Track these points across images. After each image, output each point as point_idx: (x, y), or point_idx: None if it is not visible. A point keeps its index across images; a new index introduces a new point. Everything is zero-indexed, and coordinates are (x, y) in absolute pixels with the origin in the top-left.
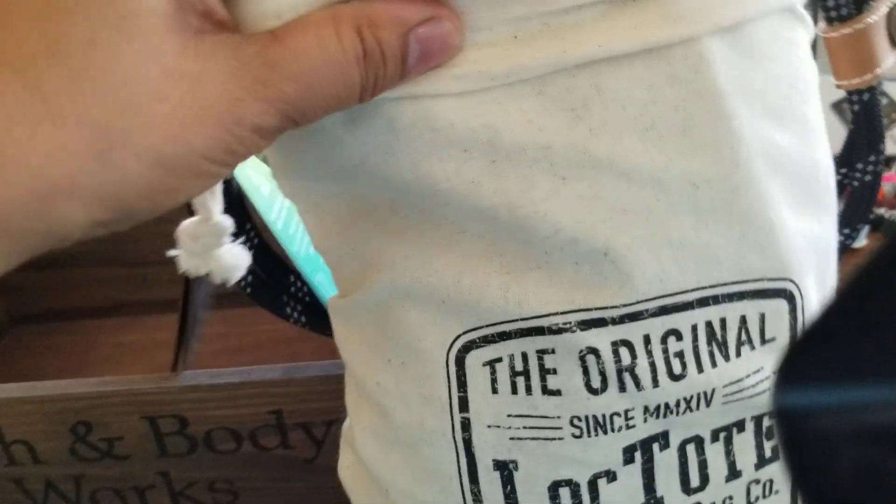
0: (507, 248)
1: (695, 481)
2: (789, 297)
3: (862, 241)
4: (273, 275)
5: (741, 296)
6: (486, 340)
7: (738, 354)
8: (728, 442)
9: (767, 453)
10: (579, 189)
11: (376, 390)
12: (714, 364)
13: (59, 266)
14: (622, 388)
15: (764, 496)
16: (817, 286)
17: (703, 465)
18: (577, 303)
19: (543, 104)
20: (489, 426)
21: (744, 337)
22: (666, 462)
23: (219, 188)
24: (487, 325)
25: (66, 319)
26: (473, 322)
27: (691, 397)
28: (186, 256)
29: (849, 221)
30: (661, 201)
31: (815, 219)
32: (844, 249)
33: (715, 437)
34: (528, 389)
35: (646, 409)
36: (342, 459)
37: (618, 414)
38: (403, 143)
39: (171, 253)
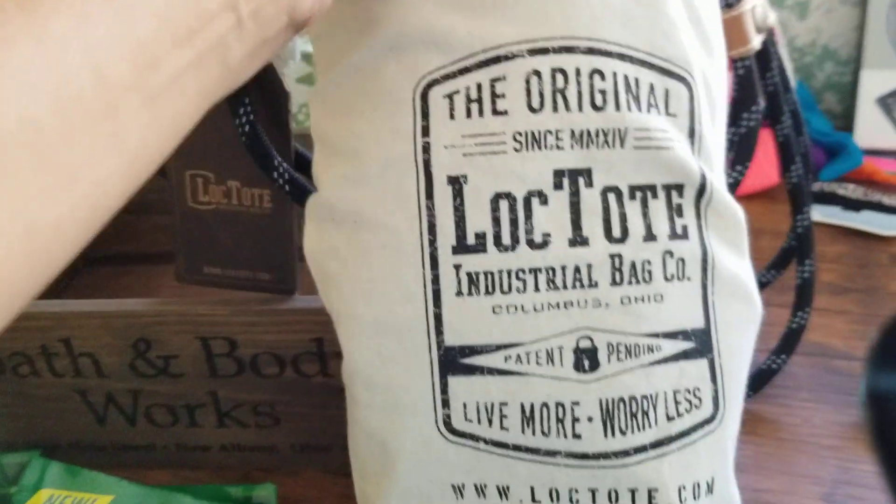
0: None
1: (616, 231)
2: (689, 86)
3: (895, 231)
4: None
5: (651, 66)
6: (447, 77)
7: (649, 111)
8: (644, 204)
9: (679, 229)
10: None
11: (351, 139)
12: (629, 108)
13: (130, 212)
14: (555, 109)
15: (679, 277)
16: (707, 102)
17: (623, 218)
18: (526, 35)
19: None
20: (446, 146)
21: (652, 100)
22: (590, 203)
23: None
24: (452, 63)
25: (136, 263)
26: (441, 61)
27: (608, 131)
28: None
29: (734, 163)
30: None
31: (708, 54)
32: (735, 187)
33: (633, 194)
34: (481, 112)
35: (572, 133)
36: (306, 235)
37: (550, 132)
38: None
39: None
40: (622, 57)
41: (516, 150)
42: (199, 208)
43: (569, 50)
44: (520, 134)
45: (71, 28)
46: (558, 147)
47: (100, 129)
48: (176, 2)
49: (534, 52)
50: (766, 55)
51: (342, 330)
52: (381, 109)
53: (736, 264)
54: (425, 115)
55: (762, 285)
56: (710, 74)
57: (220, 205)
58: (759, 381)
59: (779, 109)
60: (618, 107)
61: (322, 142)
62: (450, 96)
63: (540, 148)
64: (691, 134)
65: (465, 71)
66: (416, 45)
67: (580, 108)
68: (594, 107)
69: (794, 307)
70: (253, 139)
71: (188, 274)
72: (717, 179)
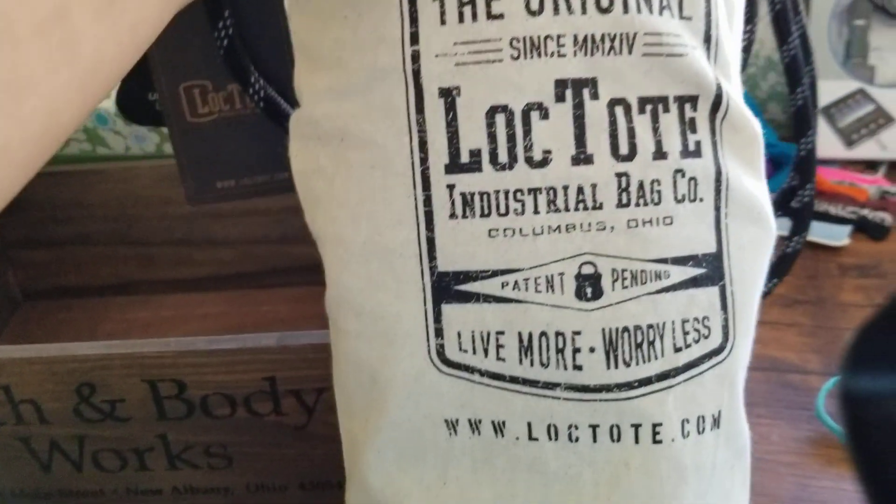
0: None
1: (623, 148)
2: None
3: (844, 241)
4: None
5: None
6: None
7: (661, 13)
8: (654, 118)
9: (691, 146)
10: None
11: (334, 47)
12: (639, 10)
13: (69, 244)
14: (556, 11)
15: (690, 199)
16: (725, 1)
17: (631, 133)
18: None
19: None
20: (437, 55)
21: (664, 1)
22: (596, 117)
23: None
24: None
25: (76, 296)
26: None
27: (615, 35)
28: None
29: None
30: None
31: None
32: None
33: (642, 108)
34: (474, 16)
35: (575, 38)
36: (292, 155)
37: (550, 37)
38: None
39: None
40: None
41: (513, 57)
42: (200, 122)
43: None
44: (517, 40)
45: None
46: (560, 54)
47: (49, 37)
48: None
49: None
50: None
51: (328, 255)
52: (365, 15)
53: (752, 184)
54: (414, 20)
55: None
56: None
57: (223, 112)
58: None
59: (786, 29)
60: (626, 8)
61: (303, 52)
62: None
63: (540, 55)
64: (707, 39)
65: None
66: None
67: (584, 9)
68: (600, 8)
69: (792, 230)
70: (230, 53)
71: (200, 194)
72: (734, 90)
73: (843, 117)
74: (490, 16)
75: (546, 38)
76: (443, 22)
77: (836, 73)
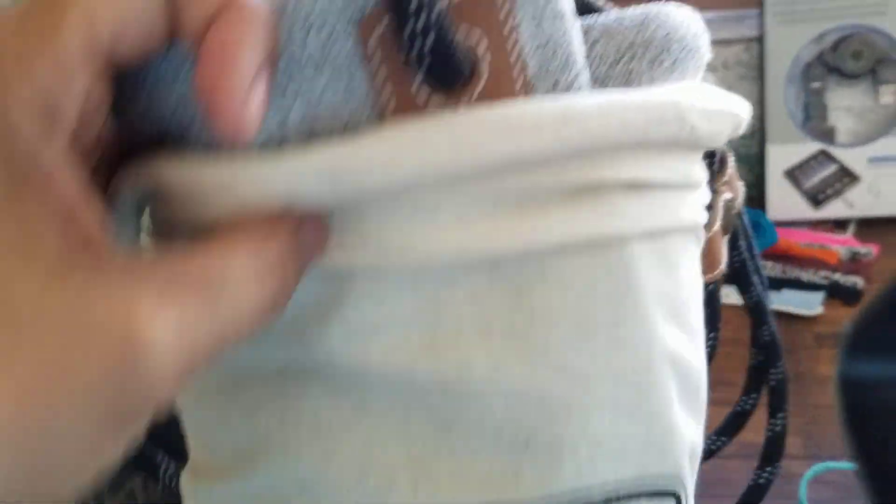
0: (420, 434)
1: None
2: (678, 500)
3: (818, 309)
4: None
5: (639, 496)
6: None
7: None
8: None
9: None
10: (513, 379)
11: None
12: None
13: None
14: None
15: None
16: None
17: None
18: (489, 494)
19: (490, 281)
20: None
21: None
22: None
23: None
24: None
25: None
26: None
27: None
28: None
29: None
30: (588, 396)
31: (697, 423)
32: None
33: None
34: None
35: None
36: None
37: None
38: (341, 311)
39: None
40: (607, 501)
41: None
42: None
43: None
44: None
45: None
46: None
47: None
48: None
49: None
50: (734, 237)
51: None
52: None
53: None
54: None
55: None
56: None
57: None
58: None
59: (746, 280)
60: None
61: None
62: None
63: None
64: None
65: None
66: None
67: None
68: None
69: (761, 462)
70: None
71: None
72: None
73: (808, 179)
74: None
75: None
76: None
77: (795, 136)
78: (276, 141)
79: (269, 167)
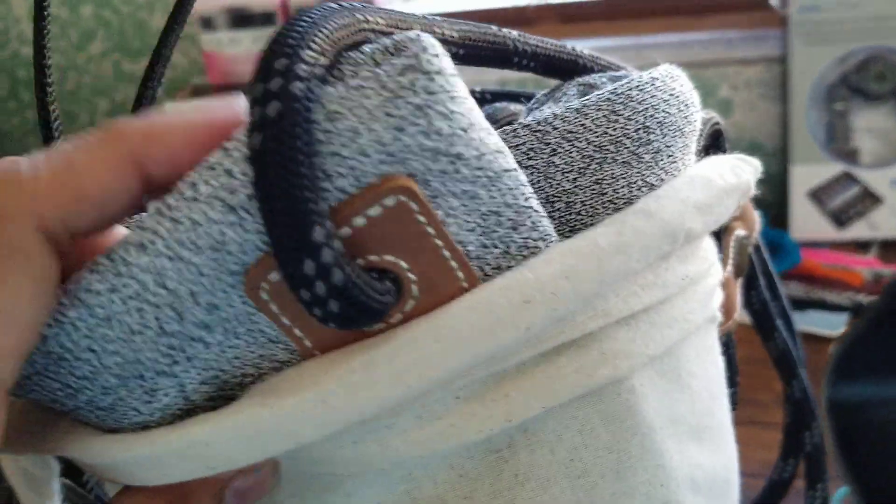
0: None
1: None
2: None
3: (841, 329)
4: None
5: None
6: None
7: None
8: None
9: None
10: None
11: None
12: None
13: None
14: None
15: None
16: None
17: None
18: None
19: (466, 445)
20: None
21: None
22: None
23: None
24: None
25: None
26: None
27: None
28: None
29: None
30: None
31: None
32: None
33: None
34: None
35: None
36: None
37: None
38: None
39: None
40: None
41: None
42: None
43: None
44: None
45: None
46: None
47: None
48: None
49: None
50: (751, 275)
51: None
52: None
53: None
54: None
55: None
56: None
57: None
58: None
59: (769, 324)
60: None
61: None
62: None
63: None
64: None
65: None
66: None
67: None
68: None
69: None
70: None
71: None
72: None
73: (831, 199)
74: None
75: None
76: None
77: (819, 157)
78: (182, 407)
79: (180, 441)
